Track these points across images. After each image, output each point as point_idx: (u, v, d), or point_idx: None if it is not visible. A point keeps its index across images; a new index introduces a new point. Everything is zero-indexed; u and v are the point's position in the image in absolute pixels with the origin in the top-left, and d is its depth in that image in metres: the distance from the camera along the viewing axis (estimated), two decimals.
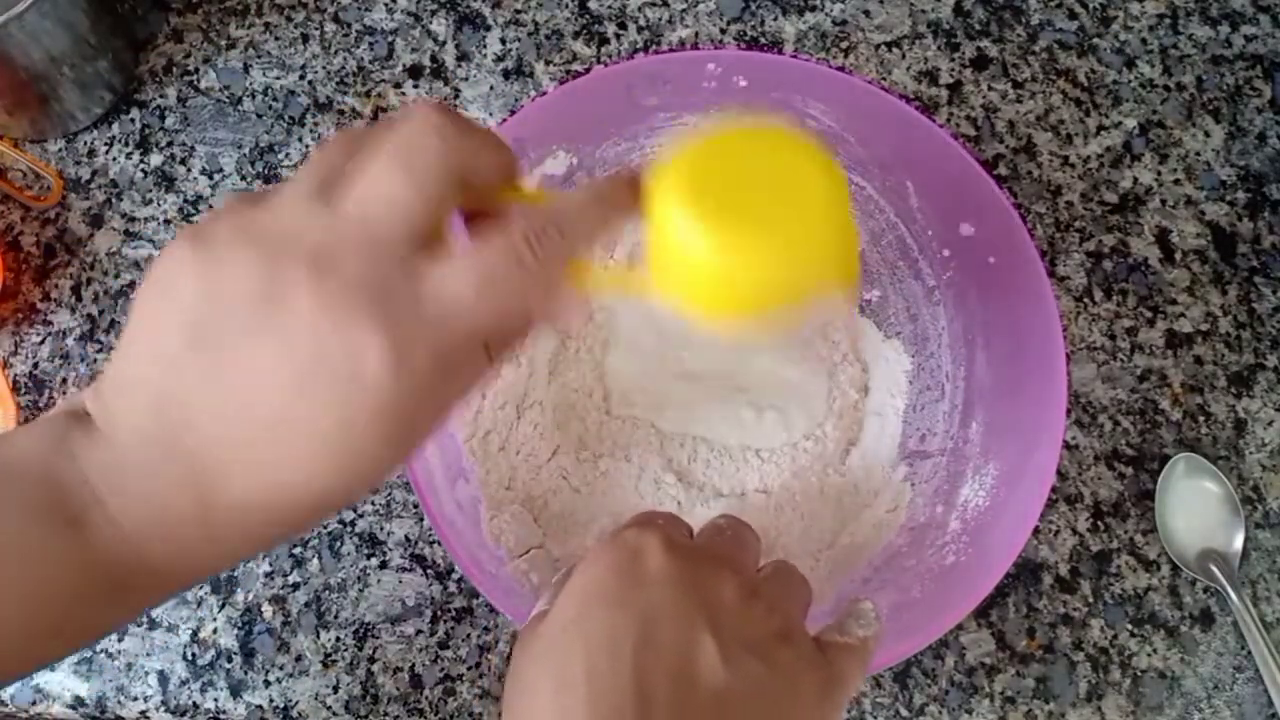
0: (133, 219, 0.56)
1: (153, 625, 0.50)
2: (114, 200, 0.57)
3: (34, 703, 0.50)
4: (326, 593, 0.51)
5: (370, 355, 0.27)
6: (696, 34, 0.61)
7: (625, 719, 0.29)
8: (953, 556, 0.45)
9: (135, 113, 0.58)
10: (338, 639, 0.50)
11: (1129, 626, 0.52)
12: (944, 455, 0.49)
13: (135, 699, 0.50)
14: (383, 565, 0.51)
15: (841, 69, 0.59)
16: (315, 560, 0.51)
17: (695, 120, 0.50)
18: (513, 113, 0.58)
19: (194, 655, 0.50)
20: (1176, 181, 0.59)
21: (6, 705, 0.49)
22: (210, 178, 0.57)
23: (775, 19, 0.61)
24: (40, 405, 0.53)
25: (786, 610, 0.34)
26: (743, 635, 0.32)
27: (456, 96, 0.59)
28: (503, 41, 0.60)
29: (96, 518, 0.28)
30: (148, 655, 0.50)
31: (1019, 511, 0.43)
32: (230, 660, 0.50)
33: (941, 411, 0.50)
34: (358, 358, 0.27)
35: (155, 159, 0.58)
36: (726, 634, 0.31)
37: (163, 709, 0.50)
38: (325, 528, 0.52)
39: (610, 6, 0.61)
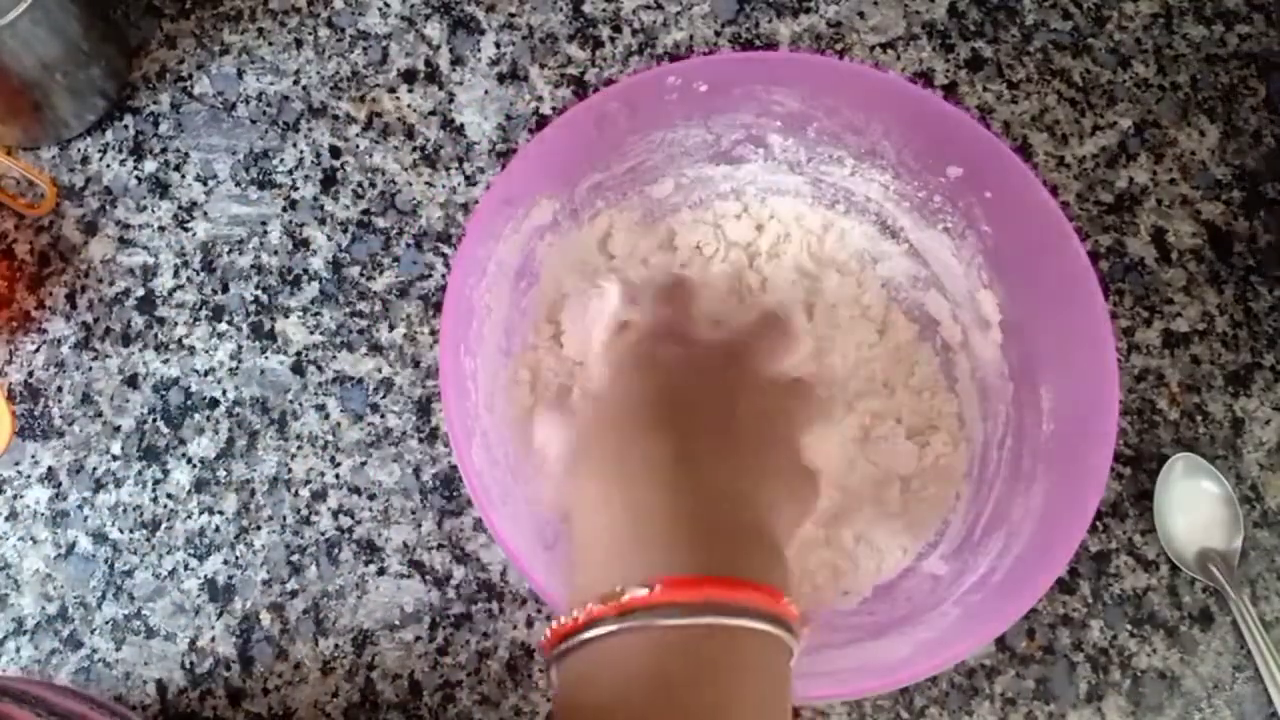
0: (127, 226, 0.56)
1: (150, 634, 0.50)
2: (108, 207, 0.56)
3: None
4: (325, 600, 0.51)
5: None
6: (691, 37, 0.61)
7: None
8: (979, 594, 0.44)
9: (129, 119, 0.58)
10: (336, 646, 0.50)
11: (1128, 627, 0.52)
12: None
13: (134, 708, 0.49)
14: (381, 572, 0.51)
15: (792, 49, 0.60)
16: (313, 567, 0.51)
17: (662, 135, 0.50)
18: (503, 165, 0.57)
19: (192, 664, 0.50)
20: (1172, 181, 0.59)
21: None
22: (205, 184, 0.57)
23: (770, 21, 0.61)
24: (35, 414, 0.53)
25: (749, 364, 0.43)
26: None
27: (451, 101, 0.59)
28: (497, 45, 0.60)
29: None
30: (145, 664, 0.50)
31: (1052, 553, 0.42)
32: (229, 669, 0.50)
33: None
34: None
35: (149, 166, 0.57)
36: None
37: (161, 718, 0.49)
38: (323, 534, 0.52)
39: (605, 10, 0.61)
